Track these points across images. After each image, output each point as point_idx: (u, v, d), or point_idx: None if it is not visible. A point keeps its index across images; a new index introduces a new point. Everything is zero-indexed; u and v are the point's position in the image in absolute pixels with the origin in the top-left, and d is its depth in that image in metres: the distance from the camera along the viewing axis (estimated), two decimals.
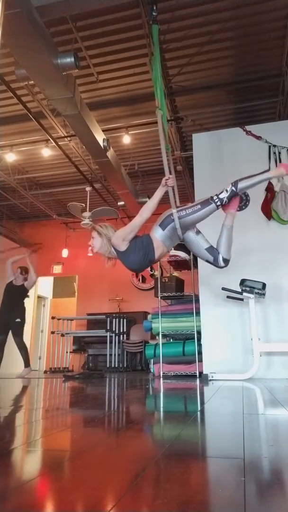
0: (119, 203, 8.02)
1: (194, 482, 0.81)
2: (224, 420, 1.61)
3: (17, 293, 6.13)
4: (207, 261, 2.90)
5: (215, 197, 2.74)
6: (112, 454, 1.07)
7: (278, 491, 0.75)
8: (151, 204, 2.66)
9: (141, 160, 7.31)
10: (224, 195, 2.73)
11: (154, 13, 3.46)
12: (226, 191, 2.74)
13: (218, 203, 2.72)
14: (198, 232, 2.90)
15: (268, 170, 2.88)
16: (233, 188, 2.73)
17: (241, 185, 2.74)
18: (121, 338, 7.63)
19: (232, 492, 0.73)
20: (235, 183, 2.75)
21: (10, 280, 6.20)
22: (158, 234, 2.76)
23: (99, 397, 2.67)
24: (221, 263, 2.84)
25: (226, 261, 2.85)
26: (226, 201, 2.74)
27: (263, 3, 4.27)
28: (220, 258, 2.82)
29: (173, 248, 5.56)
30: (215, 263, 2.87)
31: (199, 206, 2.74)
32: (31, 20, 3.58)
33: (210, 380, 4.06)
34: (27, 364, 5.87)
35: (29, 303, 9.67)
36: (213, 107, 5.92)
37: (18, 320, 5.95)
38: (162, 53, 4.72)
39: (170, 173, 2.92)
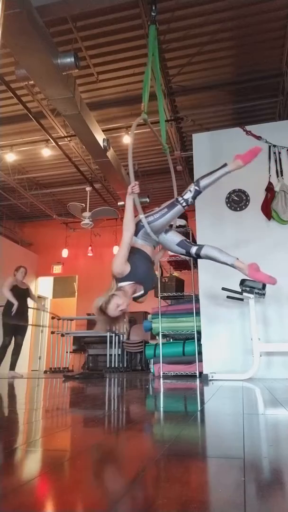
0: (119, 203, 8.01)
1: (194, 482, 0.81)
2: (224, 420, 1.61)
3: (24, 298, 6.16)
4: (182, 254, 2.92)
5: (180, 199, 2.76)
6: (112, 454, 1.07)
7: (278, 491, 0.75)
8: (126, 217, 2.60)
9: (141, 160, 7.31)
10: (188, 196, 2.74)
11: (153, 13, 3.45)
12: (190, 191, 2.75)
13: (184, 204, 2.74)
14: (167, 230, 2.90)
15: (226, 164, 2.86)
16: (196, 188, 2.74)
17: (203, 183, 2.75)
18: (121, 338, 7.63)
19: (232, 492, 0.73)
20: (197, 182, 2.77)
21: (12, 285, 6.14)
22: (137, 241, 2.73)
23: (99, 397, 2.67)
24: (194, 255, 2.85)
25: (198, 256, 2.84)
26: (191, 201, 2.74)
27: (263, 3, 4.27)
28: (193, 251, 2.82)
29: None
30: (188, 255, 2.89)
31: (166, 210, 2.75)
32: (31, 20, 3.58)
33: (210, 380, 4.06)
34: (13, 367, 5.92)
35: (29, 303, 9.68)
36: (213, 107, 5.92)
37: (22, 324, 6.07)
38: (162, 53, 4.73)
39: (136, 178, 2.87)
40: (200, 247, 2.79)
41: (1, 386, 3.87)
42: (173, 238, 2.88)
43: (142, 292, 2.62)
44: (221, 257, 2.79)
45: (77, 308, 9.63)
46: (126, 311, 2.55)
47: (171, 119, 5.87)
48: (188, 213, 5.61)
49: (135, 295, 2.61)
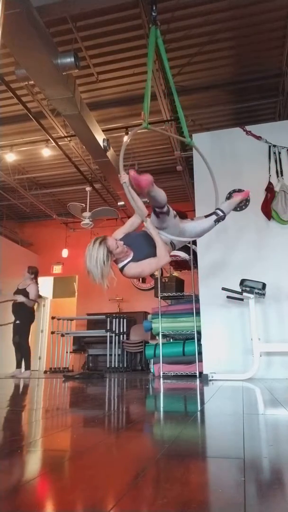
0: (119, 203, 8.02)
1: (194, 482, 0.81)
2: (224, 420, 1.61)
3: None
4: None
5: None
6: (112, 454, 1.07)
7: (278, 491, 0.75)
8: (132, 204, 2.76)
9: (141, 160, 7.31)
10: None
11: (153, 13, 3.45)
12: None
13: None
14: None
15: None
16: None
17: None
18: (121, 338, 7.63)
19: (232, 492, 0.73)
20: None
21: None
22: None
23: (99, 397, 2.67)
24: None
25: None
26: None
27: (263, 3, 4.27)
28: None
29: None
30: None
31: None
32: (31, 20, 3.58)
33: (210, 380, 4.06)
34: (19, 365, 5.98)
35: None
36: (213, 107, 5.92)
37: (17, 322, 6.15)
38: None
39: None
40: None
41: (1, 386, 3.87)
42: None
43: (129, 259, 2.68)
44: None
45: (77, 308, 9.63)
46: (115, 254, 2.62)
47: (171, 119, 5.87)
48: (188, 213, 5.61)
49: (121, 262, 2.68)
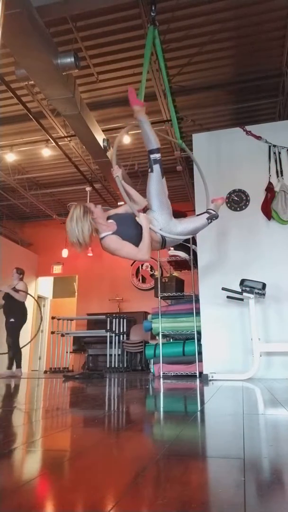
0: (119, 203, 8.00)
1: (194, 482, 0.81)
2: (224, 420, 1.61)
3: (8, 297, 6.34)
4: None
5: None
6: (112, 454, 1.07)
7: (278, 491, 0.75)
8: (127, 200, 2.82)
9: (141, 160, 7.31)
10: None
11: (152, 14, 3.45)
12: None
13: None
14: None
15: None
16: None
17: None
18: (121, 338, 7.62)
19: (232, 492, 0.73)
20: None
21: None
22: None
23: (99, 397, 2.66)
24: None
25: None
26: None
27: (263, 3, 4.27)
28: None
29: (172, 248, 5.57)
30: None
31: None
32: (31, 20, 3.58)
33: (210, 380, 4.06)
34: (10, 365, 6.00)
35: (29, 303, 9.68)
36: (213, 107, 5.92)
37: (12, 320, 6.20)
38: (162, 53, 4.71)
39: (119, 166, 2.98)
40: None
41: (1, 386, 3.87)
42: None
43: (110, 232, 2.70)
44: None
45: (77, 308, 9.63)
46: (94, 213, 2.68)
47: (170, 119, 5.87)
48: (188, 213, 5.61)
49: (103, 233, 2.70)
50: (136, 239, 2.71)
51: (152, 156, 2.80)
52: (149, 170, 2.83)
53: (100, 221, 2.69)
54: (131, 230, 2.73)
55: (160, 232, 2.79)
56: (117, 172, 2.75)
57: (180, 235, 2.97)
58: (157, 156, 2.79)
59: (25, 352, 9.13)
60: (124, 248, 2.68)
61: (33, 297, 6.61)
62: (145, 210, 2.91)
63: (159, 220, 2.82)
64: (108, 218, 2.79)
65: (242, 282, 4.12)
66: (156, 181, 2.81)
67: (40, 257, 10.08)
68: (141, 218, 2.72)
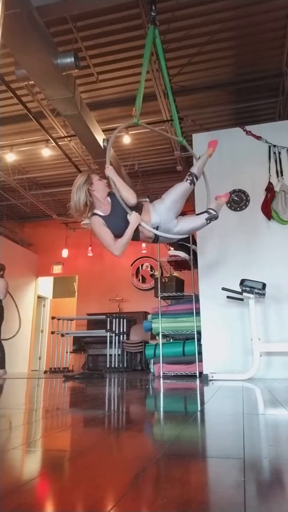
0: None
1: (194, 482, 0.81)
2: (224, 420, 1.61)
3: None
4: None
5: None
6: (112, 454, 1.07)
7: (278, 491, 0.75)
8: (120, 199, 2.79)
9: (141, 160, 7.31)
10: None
11: (152, 13, 3.44)
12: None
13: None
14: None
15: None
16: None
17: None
18: (121, 338, 7.62)
19: (232, 492, 0.73)
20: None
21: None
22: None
23: (99, 397, 2.66)
24: None
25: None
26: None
27: (263, 3, 4.27)
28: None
29: (172, 248, 5.57)
30: None
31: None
32: (31, 20, 3.58)
33: (210, 380, 4.06)
34: (2, 366, 5.87)
35: (29, 303, 9.69)
36: (213, 107, 5.92)
37: None
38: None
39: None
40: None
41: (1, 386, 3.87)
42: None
43: (102, 214, 2.75)
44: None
45: (77, 308, 9.63)
46: (94, 183, 2.73)
47: (170, 119, 5.87)
48: (188, 213, 5.61)
49: (96, 210, 2.75)
50: (119, 232, 2.74)
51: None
52: (189, 182, 2.98)
53: (96, 195, 2.71)
54: (119, 222, 2.75)
55: (154, 231, 2.80)
56: (110, 172, 2.79)
57: (175, 235, 2.96)
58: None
59: (25, 352, 9.15)
60: (102, 235, 2.73)
61: (11, 295, 6.43)
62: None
63: (161, 215, 2.82)
64: (110, 194, 2.80)
65: (242, 282, 4.12)
66: (187, 190, 2.97)
67: (40, 257, 10.08)
68: (132, 217, 2.73)
